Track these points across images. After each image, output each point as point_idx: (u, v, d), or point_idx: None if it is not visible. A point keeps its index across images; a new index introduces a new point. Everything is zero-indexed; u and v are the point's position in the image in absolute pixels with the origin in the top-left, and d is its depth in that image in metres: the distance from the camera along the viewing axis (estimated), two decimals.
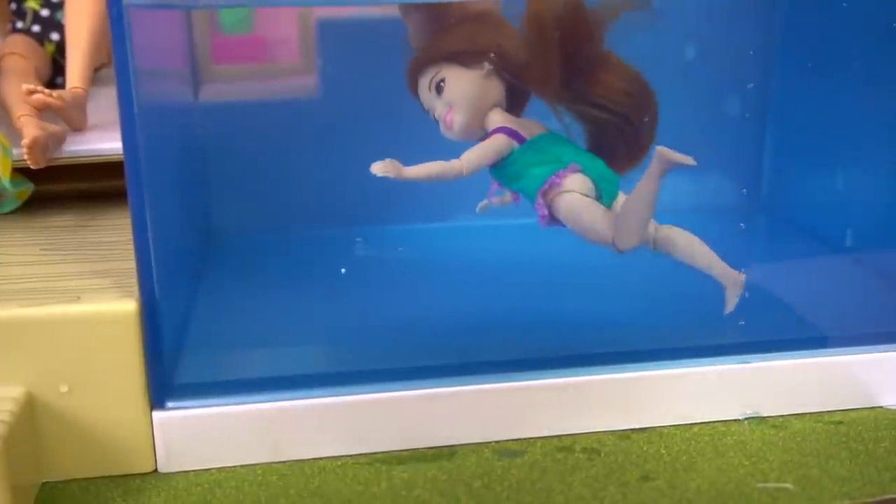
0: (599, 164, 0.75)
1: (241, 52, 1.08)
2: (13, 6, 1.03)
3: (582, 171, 0.74)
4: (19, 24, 1.01)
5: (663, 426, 0.75)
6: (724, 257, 0.78)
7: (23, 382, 0.67)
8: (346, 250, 0.99)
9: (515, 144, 0.75)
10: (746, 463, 0.71)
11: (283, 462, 0.71)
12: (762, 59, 1.06)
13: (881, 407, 0.79)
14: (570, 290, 0.88)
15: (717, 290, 0.86)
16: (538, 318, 0.84)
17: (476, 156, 0.74)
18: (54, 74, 1.02)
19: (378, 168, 0.71)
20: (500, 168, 0.76)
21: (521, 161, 0.75)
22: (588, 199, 0.73)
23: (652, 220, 0.74)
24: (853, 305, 0.88)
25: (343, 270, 0.87)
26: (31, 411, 0.67)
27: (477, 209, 0.81)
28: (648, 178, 0.69)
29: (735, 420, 0.76)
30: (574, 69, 0.74)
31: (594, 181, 0.74)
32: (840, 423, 0.76)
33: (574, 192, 0.73)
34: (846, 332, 0.80)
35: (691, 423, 0.76)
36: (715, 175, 1.08)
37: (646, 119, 0.75)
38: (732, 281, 0.75)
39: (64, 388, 0.67)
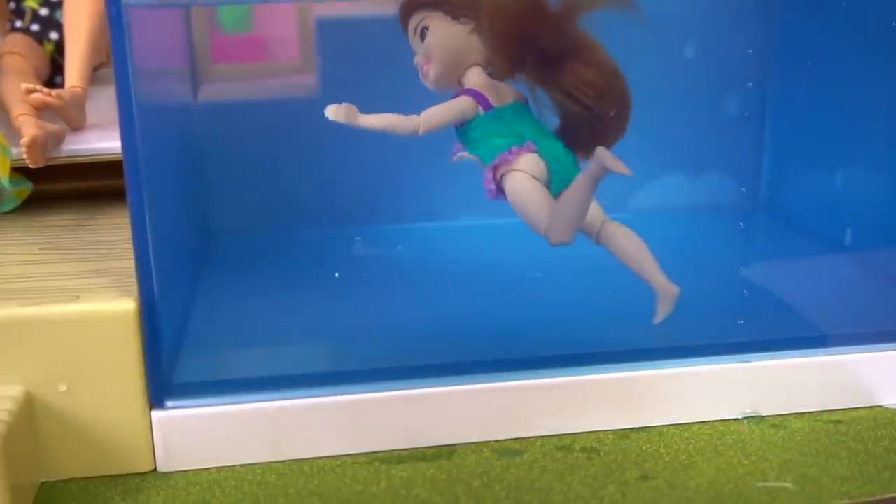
0: (557, 147, 0.74)
1: (240, 51, 1.08)
2: (12, 5, 1.03)
3: (536, 152, 0.73)
4: (18, 24, 1.01)
5: (662, 425, 0.75)
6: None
7: (22, 382, 0.66)
8: (344, 249, 0.99)
9: (480, 110, 0.74)
10: (746, 462, 0.71)
11: (283, 461, 0.71)
12: (761, 58, 1.06)
13: (880, 406, 0.79)
14: (570, 289, 0.88)
15: (715, 289, 0.87)
16: (537, 316, 0.84)
17: (434, 115, 0.73)
18: (53, 73, 1.02)
19: (332, 112, 0.70)
20: (463, 131, 0.75)
21: (482, 128, 0.74)
22: (534, 182, 0.72)
23: (601, 212, 0.74)
24: (852, 304, 0.88)
25: (336, 275, 0.87)
26: (30, 411, 0.67)
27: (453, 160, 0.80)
28: (585, 178, 0.69)
29: (734, 419, 0.76)
30: (539, 55, 0.73)
31: (547, 163, 0.73)
32: (839, 422, 0.76)
33: (522, 172, 0.72)
34: (845, 331, 0.80)
35: (690, 423, 0.76)
36: (714, 174, 1.08)
37: (612, 114, 0.74)
38: (667, 293, 0.74)
39: (63, 388, 0.67)
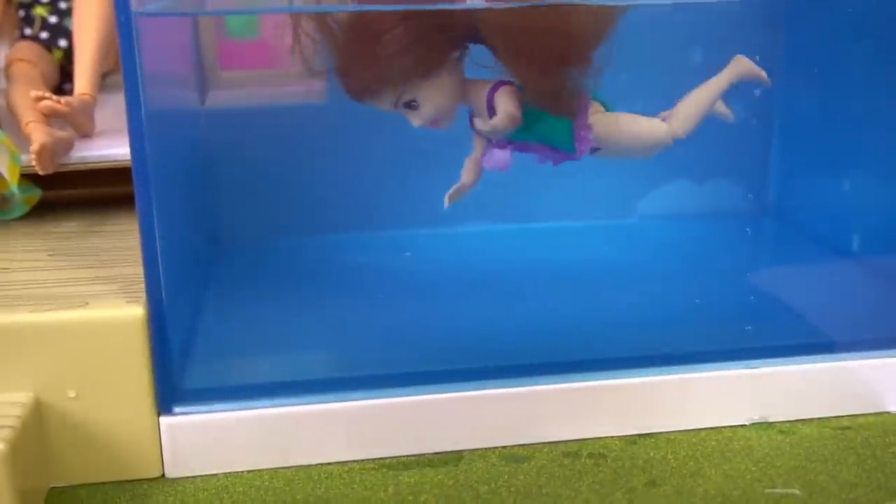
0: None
1: (248, 57, 1.08)
2: (21, 13, 1.03)
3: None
4: (28, 31, 1.02)
5: (670, 431, 0.75)
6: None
7: (31, 388, 0.67)
8: (352, 256, 0.99)
9: None
10: (753, 468, 0.71)
11: (290, 467, 0.71)
12: (768, 64, 1.06)
13: (888, 412, 0.78)
14: (577, 296, 0.88)
15: (723, 295, 0.87)
16: (544, 323, 0.84)
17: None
18: (62, 81, 1.02)
19: None
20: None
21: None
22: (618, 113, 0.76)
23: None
24: (860, 310, 0.88)
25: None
26: (39, 416, 0.67)
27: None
28: (719, 79, 0.76)
29: (742, 425, 0.76)
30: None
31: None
32: (847, 428, 0.76)
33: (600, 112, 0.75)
34: (853, 337, 0.80)
35: (698, 429, 0.76)
36: (722, 180, 1.08)
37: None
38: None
39: (72, 394, 0.67)
